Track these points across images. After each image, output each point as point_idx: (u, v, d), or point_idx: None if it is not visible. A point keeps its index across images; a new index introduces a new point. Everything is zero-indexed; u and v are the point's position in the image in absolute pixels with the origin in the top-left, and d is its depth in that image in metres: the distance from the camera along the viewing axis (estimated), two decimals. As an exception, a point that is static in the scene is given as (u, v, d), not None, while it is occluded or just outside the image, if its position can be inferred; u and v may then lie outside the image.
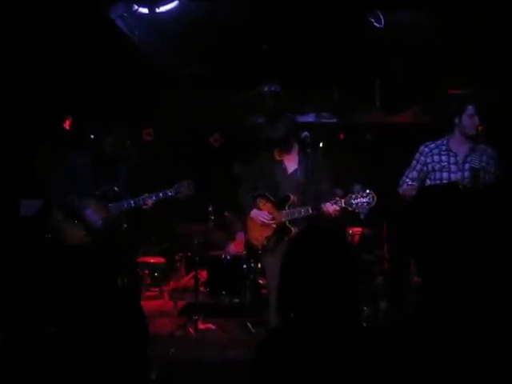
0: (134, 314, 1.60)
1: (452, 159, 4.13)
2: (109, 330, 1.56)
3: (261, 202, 4.45)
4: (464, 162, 4.09)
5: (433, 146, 4.22)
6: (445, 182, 4.12)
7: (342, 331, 1.64)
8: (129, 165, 4.88)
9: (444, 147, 4.17)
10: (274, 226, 4.35)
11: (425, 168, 4.23)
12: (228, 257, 6.07)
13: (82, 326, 1.57)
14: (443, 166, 4.13)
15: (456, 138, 4.15)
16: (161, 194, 4.50)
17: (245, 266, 5.92)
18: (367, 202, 4.11)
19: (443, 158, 4.16)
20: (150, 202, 4.47)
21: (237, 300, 5.84)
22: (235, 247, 6.49)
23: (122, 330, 1.58)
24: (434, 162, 4.18)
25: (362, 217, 5.72)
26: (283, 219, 4.30)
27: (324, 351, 1.61)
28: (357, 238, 6.26)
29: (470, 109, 4.09)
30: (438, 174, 4.16)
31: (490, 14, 4.91)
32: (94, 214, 4.42)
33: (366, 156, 7.21)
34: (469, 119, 4.09)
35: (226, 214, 6.58)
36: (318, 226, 1.85)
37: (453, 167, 4.11)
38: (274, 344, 1.68)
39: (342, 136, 7.68)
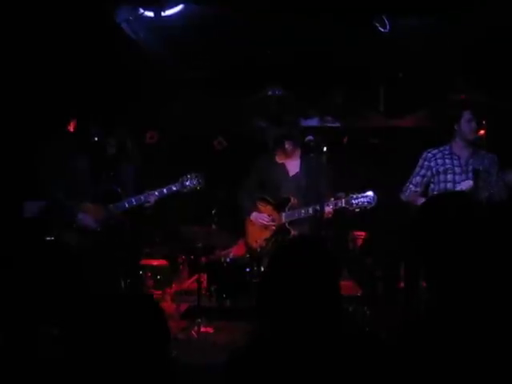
0: (154, 315, 1.61)
1: (456, 162, 4.18)
2: (113, 334, 1.56)
3: (261, 205, 4.46)
4: (467, 165, 4.13)
5: (436, 151, 4.27)
6: (449, 183, 4.16)
7: (318, 337, 1.65)
8: (133, 166, 4.84)
9: (447, 151, 4.22)
10: (274, 227, 4.36)
11: (428, 172, 4.25)
12: (231, 260, 6.07)
13: (81, 329, 1.56)
14: (447, 169, 4.18)
15: (457, 143, 4.21)
16: (165, 190, 4.34)
17: (248, 270, 5.92)
18: (368, 202, 4.12)
19: (447, 161, 4.20)
20: (152, 198, 4.32)
21: (239, 303, 5.84)
22: (238, 251, 6.49)
23: (137, 332, 1.57)
24: (437, 165, 4.22)
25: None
26: (283, 221, 4.31)
27: (299, 358, 1.62)
28: (360, 241, 6.27)
29: (467, 114, 4.13)
30: (442, 177, 4.19)
31: (494, 19, 4.92)
32: (86, 218, 4.34)
33: (369, 160, 7.21)
34: (467, 125, 4.13)
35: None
36: (303, 236, 1.90)
37: (457, 169, 4.16)
38: (249, 352, 1.69)
39: (345, 140, 7.68)
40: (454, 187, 4.14)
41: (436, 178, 4.23)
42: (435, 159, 4.24)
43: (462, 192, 3.77)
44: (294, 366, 1.62)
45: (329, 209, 4.15)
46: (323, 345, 1.64)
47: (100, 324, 1.56)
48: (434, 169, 4.23)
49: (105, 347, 1.51)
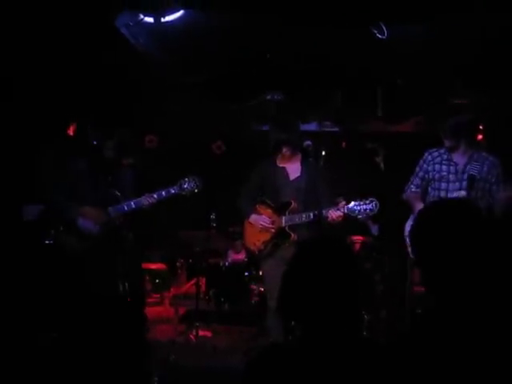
0: (135, 320, 1.61)
1: (452, 168, 4.16)
2: (110, 336, 1.57)
3: (261, 208, 4.47)
4: (463, 172, 4.11)
5: (436, 154, 4.24)
6: (443, 191, 4.16)
7: (343, 342, 1.63)
8: (133, 169, 4.85)
9: (445, 156, 4.20)
10: (273, 230, 4.37)
11: (426, 176, 4.26)
12: (229, 264, 6.09)
13: (81, 332, 1.57)
14: (442, 176, 4.17)
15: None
16: (163, 193, 4.34)
17: (246, 274, 5.93)
18: (370, 209, 4.13)
19: (443, 167, 4.19)
20: (151, 201, 4.33)
21: (238, 307, 5.86)
22: (236, 255, 6.51)
23: (123, 337, 1.59)
24: (434, 170, 4.22)
25: (373, 231, 5.79)
26: (283, 224, 4.32)
27: (325, 363, 1.60)
28: (358, 246, 6.28)
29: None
30: (437, 184, 4.20)
31: (492, 25, 4.95)
32: (86, 222, 4.36)
33: (367, 165, 7.23)
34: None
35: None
36: (326, 235, 1.86)
37: (451, 177, 4.14)
38: (269, 359, 1.66)
39: (343, 145, 7.72)
40: (447, 196, 4.13)
41: (432, 184, 4.24)
42: (433, 164, 4.24)
43: (459, 200, 3.72)
44: (320, 371, 1.60)
45: (338, 213, 4.15)
46: (348, 349, 1.62)
47: (94, 328, 1.57)
48: (430, 174, 4.24)
49: (97, 350, 1.53)
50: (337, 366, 1.59)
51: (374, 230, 5.56)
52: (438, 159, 4.22)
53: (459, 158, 4.16)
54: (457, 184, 4.11)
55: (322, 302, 1.65)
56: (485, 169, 4.08)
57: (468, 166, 4.10)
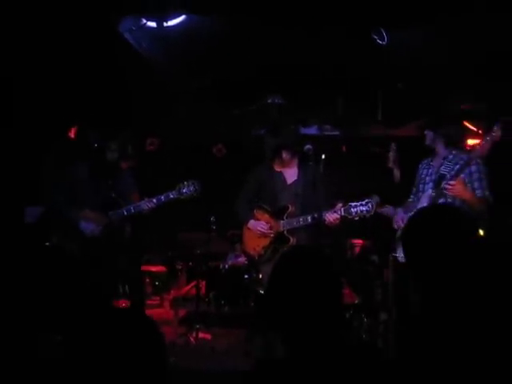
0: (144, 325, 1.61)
1: (430, 171, 4.22)
2: (114, 340, 1.57)
3: (258, 213, 4.49)
4: (437, 172, 4.14)
5: (425, 161, 4.32)
6: (420, 193, 4.20)
7: (327, 349, 1.65)
8: (133, 172, 4.87)
9: (428, 161, 4.26)
10: (272, 235, 4.38)
11: (417, 183, 4.32)
12: (229, 267, 6.10)
13: (84, 335, 1.57)
14: (421, 179, 4.27)
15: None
16: (162, 197, 4.38)
17: (246, 276, 5.95)
18: (366, 210, 4.15)
19: (424, 171, 4.28)
20: (150, 206, 4.36)
21: (238, 310, 5.86)
22: (236, 257, 6.52)
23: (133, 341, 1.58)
24: (420, 175, 4.28)
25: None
26: (281, 229, 4.34)
27: (313, 373, 1.61)
28: (357, 249, 6.30)
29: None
30: (420, 187, 4.27)
31: (492, 30, 4.98)
32: (87, 223, 4.38)
33: (367, 168, 7.26)
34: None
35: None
36: (303, 246, 1.89)
37: (427, 179, 4.21)
38: (263, 375, 1.68)
39: (344, 149, 7.74)
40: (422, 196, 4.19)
41: (417, 188, 4.31)
42: (422, 169, 4.31)
43: (447, 206, 3.68)
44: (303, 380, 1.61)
45: (335, 216, 4.16)
46: (327, 357, 1.64)
47: (98, 331, 1.57)
48: (417, 180, 4.31)
49: (102, 354, 1.52)
50: (324, 374, 1.61)
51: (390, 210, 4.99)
52: (425, 165, 4.29)
53: (436, 161, 4.20)
54: (430, 184, 4.15)
55: (299, 309, 1.67)
56: (457, 166, 3.97)
57: (442, 167, 4.10)
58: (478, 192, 3.95)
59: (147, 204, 4.38)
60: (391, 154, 4.97)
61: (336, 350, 1.65)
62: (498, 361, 1.56)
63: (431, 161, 4.24)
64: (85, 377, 1.50)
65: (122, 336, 1.54)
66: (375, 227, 5.54)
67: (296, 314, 1.67)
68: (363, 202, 4.15)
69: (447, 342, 1.61)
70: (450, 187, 3.90)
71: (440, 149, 4.16)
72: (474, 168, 3.96)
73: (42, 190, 5.22)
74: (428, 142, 4.20)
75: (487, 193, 3.97)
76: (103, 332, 1.55)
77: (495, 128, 3.91)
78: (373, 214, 4.19)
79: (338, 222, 4.18)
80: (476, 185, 3.96)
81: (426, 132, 4.21)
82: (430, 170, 4.20)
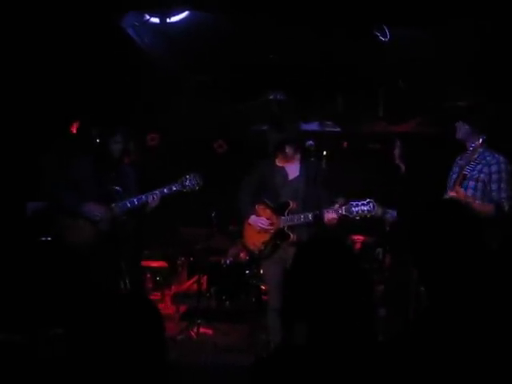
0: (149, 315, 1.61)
1: (456, 169, 4.10)
2: (116, 332, 1.58)
3: (260, 208, 4.50)
4: (460, 172, 4.00)
5: (458, 157, 4.15)
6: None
7: (355, 346, 1.60)
8: (135, 167, 4.88)
9: (459, 158, 4.12)
10: (272, 231, 4.39)
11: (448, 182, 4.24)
12: (230, 262, 6.11)
13: (85, 328, 1.58)
14: (449, 177, 4.11)
15: None
16: (165, 190, 4.40)
17: (247, 272, 5.96)
18: (368, 210, 4.15)
19: (453, 169, 4.13)
20: (154, 198, 4.37)
21: (239, 305, 5.88)
22: (238, 252, 6.53)
23: (135, 333, 1.59)
24: (450, 174, 4.14)
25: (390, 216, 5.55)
26: (282, 225, 4.34)
27: (335, 368, 1.57)
28: (358, 245, 6.31)
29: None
30: (447, 186, 4.14)
31: (492, 27, 4.98)
32: (92, 208, 4.35)
33: (368, 165, 7.26)
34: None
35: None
36: (325, 235, 1.86)
37: (453, 177, 4.10)
38: (278, 361, 1.64)
39: (345, 145, 7.74)
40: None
41: None
42: (453, 167, 4.15)
43: (451, 200, 3.61)
44: (324, 372, 1.57)
45: (333, 215, 4.16)
46: (351, 349, 1.59)
47: (100, 323, 1.57)
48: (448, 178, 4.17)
49: (104, 346, 1.53)
50: (346, 366, 1.57)
51: (392, 215, 5.13)
52: (455, 162, 4.12)
53: (464, 159, 4.03)
54: (451, 185, 4.02)
55: (325, 300, 1.64)
56: (478, 167, 3.85)
57: (467, 167, 3.95)
58: (494, 194, 3.78)
59: (151, 196, 4.39)
60: (397, 151, 4.95)
61: (360, 343, 1.61)
62: (504, 359, 1.56)
63: (460, 158, 4.04)
64: (86, 366, 1.51)
65: (121, 320, 1.55)
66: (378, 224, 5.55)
67: (319, 303, 1.64)
68: (364, 202, 4.14)
69: (454, 340, 1.60)
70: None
71: (472, 145, 3.88)
72: (494, 168, 3.79)
73: (44, 185, 5.23)
74: (460, 136, 3.92)
75: (504, 195, 3.77)
76: (103, 318, 1.55)
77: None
78: (374, 214, 4.18)
79: (335, 221, 4.17)
80: (494, 186, 3.78)
81: (457, 124, 3.90)
82: (456, 169, 4.03)
